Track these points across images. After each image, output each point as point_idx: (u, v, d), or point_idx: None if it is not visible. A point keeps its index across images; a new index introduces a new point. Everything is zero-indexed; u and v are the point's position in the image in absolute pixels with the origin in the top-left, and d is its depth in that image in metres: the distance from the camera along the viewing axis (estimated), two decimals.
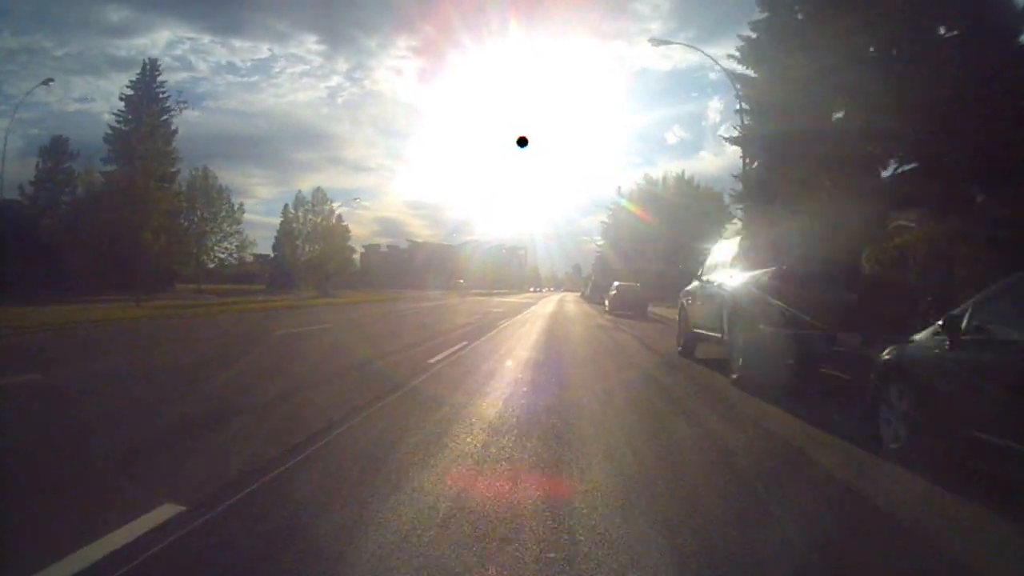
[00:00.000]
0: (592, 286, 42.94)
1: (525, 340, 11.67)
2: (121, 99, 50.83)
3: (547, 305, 35.00)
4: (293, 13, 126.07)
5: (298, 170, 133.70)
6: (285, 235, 67.83)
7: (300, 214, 65.92)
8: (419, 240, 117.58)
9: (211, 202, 61.63)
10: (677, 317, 11.15)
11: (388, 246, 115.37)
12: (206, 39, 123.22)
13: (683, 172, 41.60)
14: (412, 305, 27.89)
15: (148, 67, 52.31)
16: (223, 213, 62.34)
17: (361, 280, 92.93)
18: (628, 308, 24.06)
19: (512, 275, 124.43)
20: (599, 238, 66.01)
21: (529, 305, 32.74)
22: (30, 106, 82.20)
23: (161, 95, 50.95)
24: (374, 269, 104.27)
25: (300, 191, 67.84)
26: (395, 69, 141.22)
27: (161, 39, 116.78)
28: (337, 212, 73.01)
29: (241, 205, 63.13)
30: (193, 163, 58.88)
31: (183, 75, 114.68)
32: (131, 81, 51.50)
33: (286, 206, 66.77)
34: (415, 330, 13.35)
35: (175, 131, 50.10)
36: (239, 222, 63.91)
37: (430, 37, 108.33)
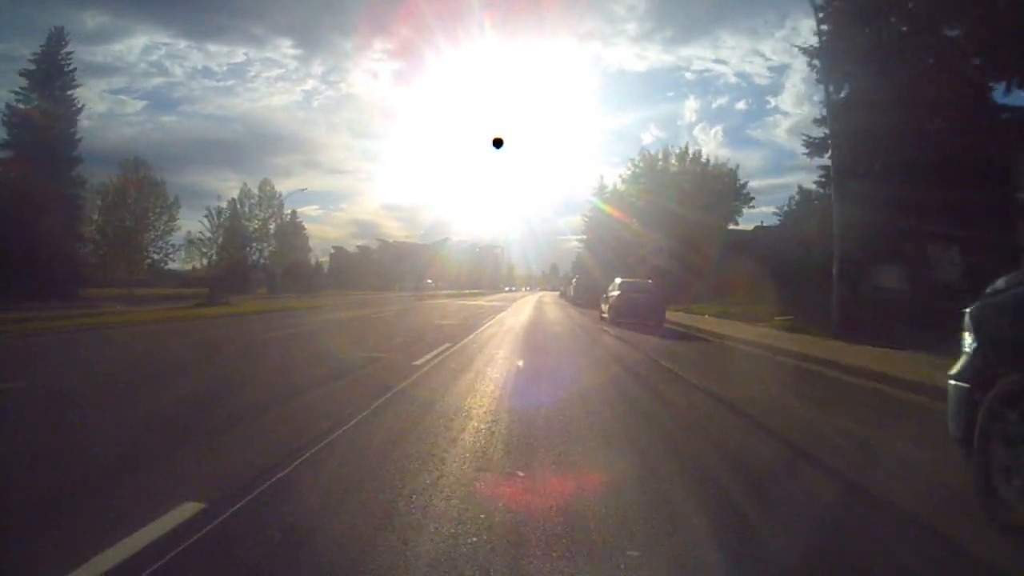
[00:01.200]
0: (576, 285, 34.56)
1: (452, 446, 3.42)
2: (21, 74, 41.12)
3: (522, 309, 26.38)
4: (269, 17, 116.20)
5: (274, 174, 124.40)
6: (231, 234, 58.33)
7: (246, 210, 56.54)
8: (390, 240, 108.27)
9: (142, 197, 52.28)
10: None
11: (358, 246, 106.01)
12: (182, 44, 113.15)
13: (686, 146, 33.45)
14: (337, 316, 19.27)
15: (54, 36, 42.55)
16: (157, 209, 53.00)
17: (332, 281, 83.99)
18: (639, 315, 15.84)
19: (487, 274, 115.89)
20: (581, 235, 57.78)
21: (498, 311, 24.16)
22: (6, 113, 74.56)
23: (67, 68, 41.35)
24: (344, 270, 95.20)
25: (244, 184, 58.23)
26: (371, 72, 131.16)
27: (137, 44, 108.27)
28: (290, 208, 63.95)
29: (176, 198, 53.77)
30: (170, 169, 50.60)
31: (159, 80, 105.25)
32: (33, 53, 41.79)
33: (231, 201, 57.24)
34: (219, 400, 4.98)
35: (80, 108, 40.40)
36: (176, 218, 54.65)
37: (406, 39, 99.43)
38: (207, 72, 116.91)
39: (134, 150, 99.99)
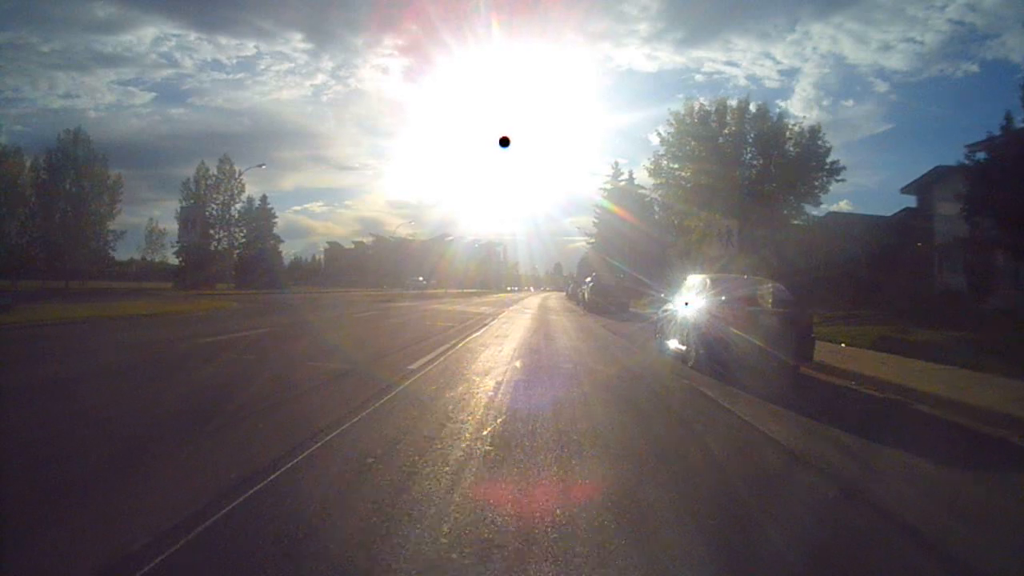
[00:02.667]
0: (593, 287, 25.12)
1: None
2: None
3: (517, 322, 16.69)
4: (280, 11, 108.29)
5: (281, 168, 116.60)
6: (189, 219, 49.11)
7: (203, 191, 47.52)
8: (387, 237, 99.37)
9: (79, 175, 43.39)
10: None
11: (354, 242, 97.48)
12: (192, 36, 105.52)
13: (747, 97, 23.64)
14: (199, 332, 10.13)
15: None
16: (97, 189, 44.13)
17: (327, 278, 75.53)
18: (772, 353, 6.63)
19: (491, 273, 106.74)
20: (592, 231, 48.30)
21: (478, 324, 14.81)
22: (14, 102, 71.21)
23: None
24: (341, 266, 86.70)
25: (203, 162, 49.09)
26: (381, 68, 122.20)
27: (147, 35, 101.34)
28: (257, 194, 54.85)
29: (120, 176, 44.92)
30: (177, 162, 42.37)
31: (168, 71, 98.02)
32: None
33: (187, 182, 48.13)
34: None
35: None
36: (120, 199, 45.80)
37: (416, 36, 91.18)
38: (216, 65, 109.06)
39: (141, 142, 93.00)
